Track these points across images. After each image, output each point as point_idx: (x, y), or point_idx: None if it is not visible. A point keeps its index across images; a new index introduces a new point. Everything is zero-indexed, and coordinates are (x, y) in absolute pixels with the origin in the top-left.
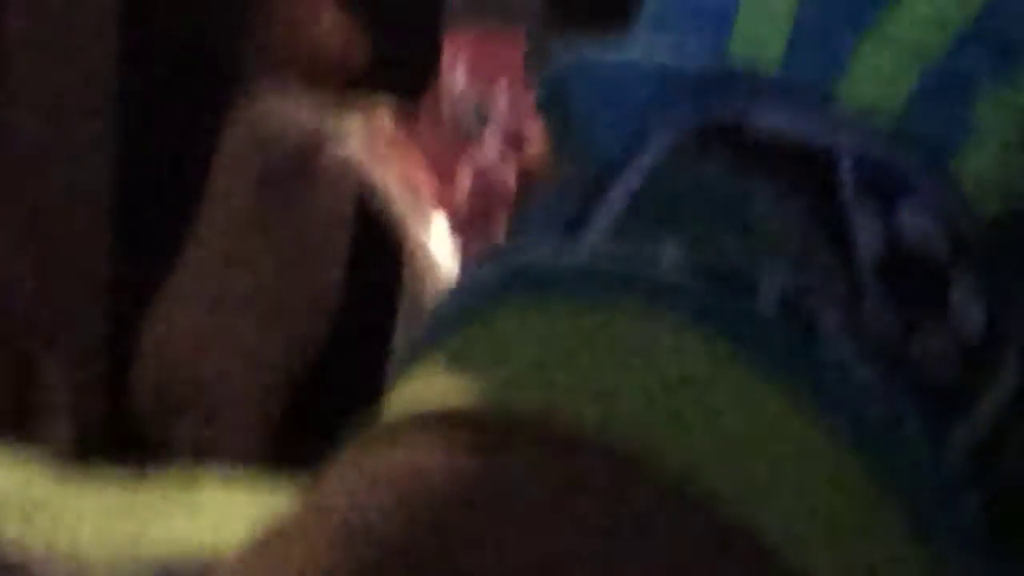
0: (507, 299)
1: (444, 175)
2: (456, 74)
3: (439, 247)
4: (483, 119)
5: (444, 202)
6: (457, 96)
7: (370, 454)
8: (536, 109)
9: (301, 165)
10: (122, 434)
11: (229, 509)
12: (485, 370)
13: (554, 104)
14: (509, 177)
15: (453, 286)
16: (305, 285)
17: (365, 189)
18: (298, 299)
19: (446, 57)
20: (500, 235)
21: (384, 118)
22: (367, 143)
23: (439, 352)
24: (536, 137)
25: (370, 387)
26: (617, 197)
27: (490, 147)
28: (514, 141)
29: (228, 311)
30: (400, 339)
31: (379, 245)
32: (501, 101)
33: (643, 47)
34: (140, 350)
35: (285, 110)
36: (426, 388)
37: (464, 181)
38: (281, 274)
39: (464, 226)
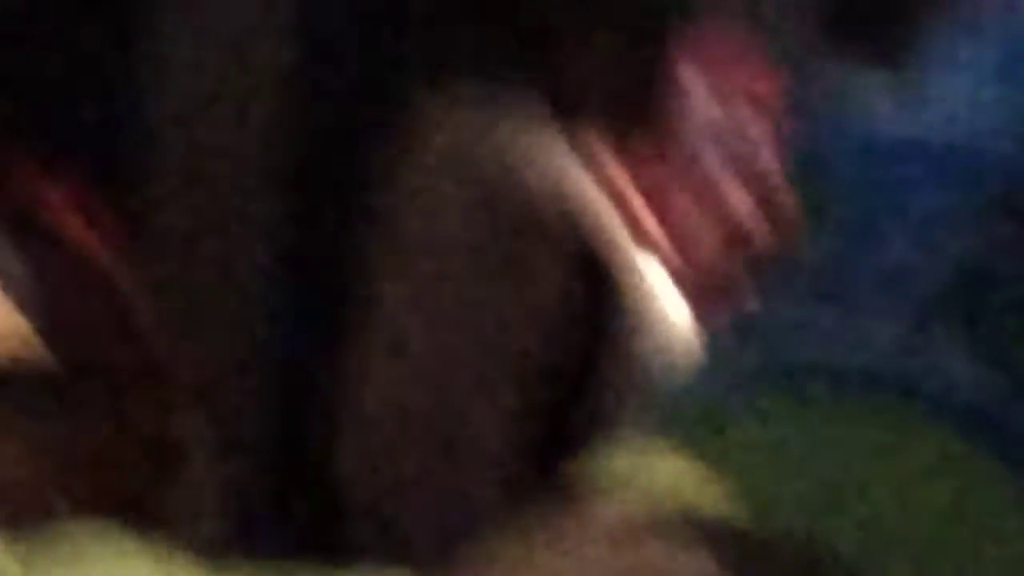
0: (767, 394)
1: (665, 204)
2: (695, 95)
3: (655, 279)
4: (724, 146)
5: (665, 234)
6: (695, 121)
7: (623, 545)
8: (792, 166)
9: (511, 194)
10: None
11: None
12: (750, 477)
13: (815, 167)
14: (736, 193)
15: (698, 362)
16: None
17: (578, 216)
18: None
19: (685, 74)
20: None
21: (602, 141)
22: (584, 167)
23: (685, 442)
24: (778, 175)
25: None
26: (917, 286)
27: (725, 181)
28: (754, 175)
29: (445, 364)
30: (608, 373)
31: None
32: (747, 129)
33: (928, 120)
34: (337, 421)
35: (488, 128)
36: (675, 480)
37: (685, 199)
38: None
39: (685, 247)
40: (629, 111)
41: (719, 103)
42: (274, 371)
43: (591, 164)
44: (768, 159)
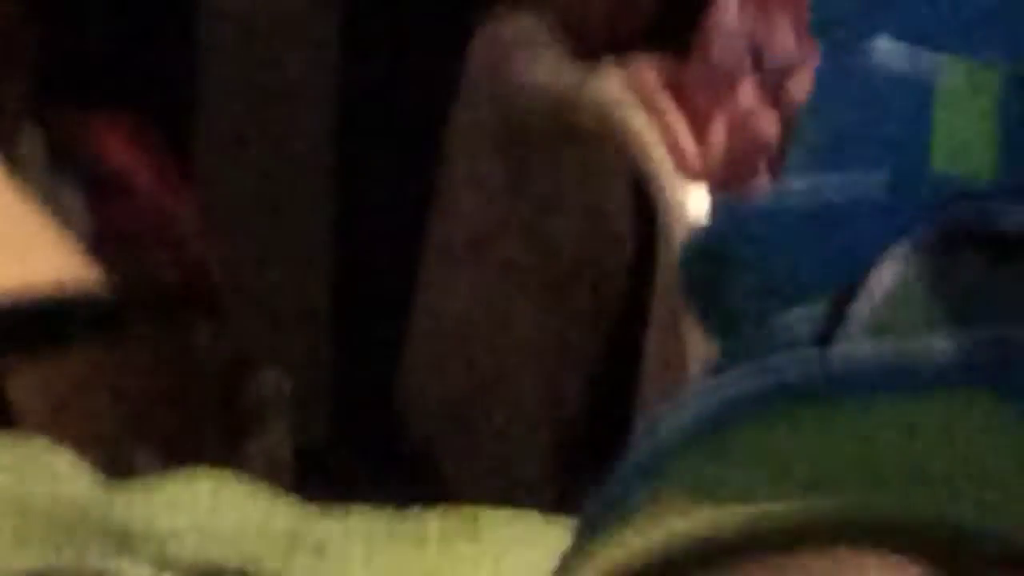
0: (780, 412)
1: (706, 122)
2: (729, 7)
3: (697, 205)
4: (758, 57)
5: (703, 155)
6: (728, 32)
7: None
8: (694, 262)
9: (553, 122)
10: (347, 457)
11: (513, 551)
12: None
13: (721, 250)
14: (769, 124)
15: (686, 404)
16: (590, 248)
17: (626, 142)
18: (583, 265)
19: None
20: (759, 185)
21: (645, 71)
22: (627, 94)
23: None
24: (801, 79)
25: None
26: (862, 309)
27: (745, 93)
28: (779, 83)
29: (498, 294)
30: (658, 308)
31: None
32: (779, 32)
33: (823, 182)
34: (399, 353)
35: (528, 68)
36: (713, 518)
37: (720, 131)
38: (551, 242)
39: (721, 178)
40: (674, 35)
41: (761, 31)
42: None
43: (642, 91)
44: (792, 54)
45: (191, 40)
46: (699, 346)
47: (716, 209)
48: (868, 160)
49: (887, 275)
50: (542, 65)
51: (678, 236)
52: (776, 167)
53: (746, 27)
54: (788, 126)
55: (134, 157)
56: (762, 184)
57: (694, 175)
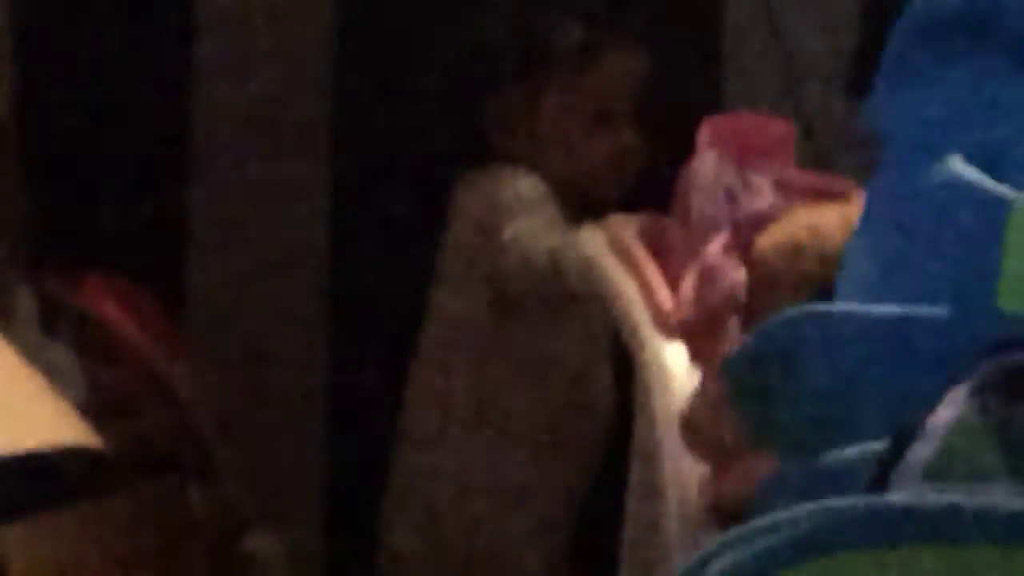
0: (838, 558)
1: (678, 285)
2: (707, 157)
3: (674, 359)
4: (735, 205)
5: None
6: (706, 186)
7: None
8: (740, 368)
9: (540, 280)
10: None
11: None
12: None
13: (780, 359)
14: (736, 277)
15: (741, 544)
16: (575, 409)
17: (606, 298)
18: (568, 428)
19: (700, 139)
20: (730, 339)
21: (625, 228)
22: (608, 253)
23: None
24: (769, 229)
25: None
26: (920, 452)
27: (714, 248)
28: (750, 236)
29: (492, 448)
30: (635, 461)
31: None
32: (755, 185)
33: (883, 308)
34: (387, 507)
35: (521, 231)
36: None
37: (689, 285)
38: (541, 397)
39: (690, 331)
40: (657, 195)
41: (738, 183)
42: (331, 465)
43: (622, 249)
44: (770, 202)
45: (182, 203)
46: (675, 507)
47: (778, 320)
48: (930, 289)
49: (945, 416)
50: (530, 231)
51: (655, 390)
52: (744, 318)
53: (724, 181)
54: (756, 279)
55: (126, 317)
56: (732, 336)
57: (671, 331)
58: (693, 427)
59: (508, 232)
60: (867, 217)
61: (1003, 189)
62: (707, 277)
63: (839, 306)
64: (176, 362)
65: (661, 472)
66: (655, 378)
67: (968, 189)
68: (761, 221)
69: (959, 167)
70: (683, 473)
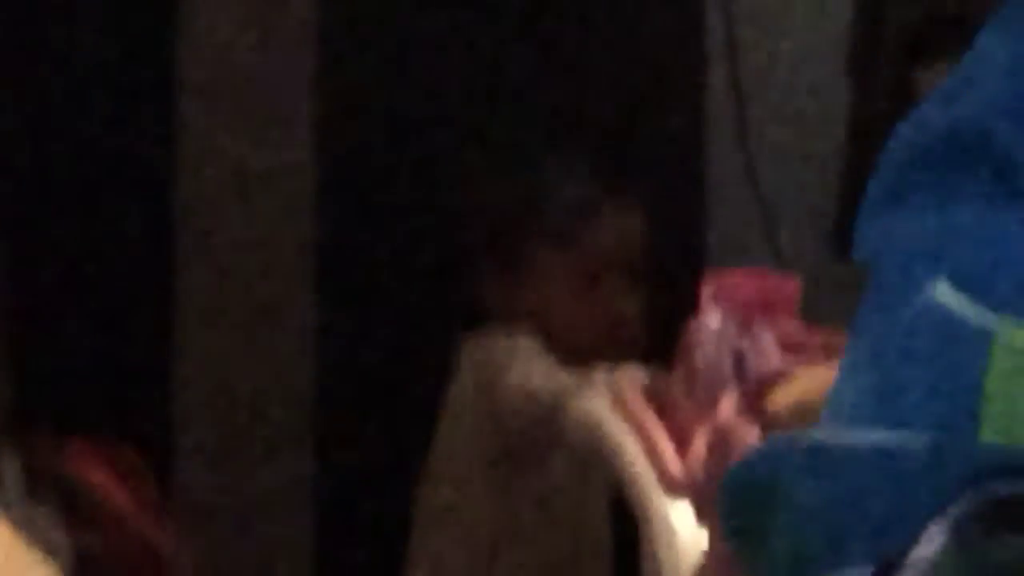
0: None
1: (690, 438)
2: (711, 315)
3: (682, 520)
4: (741, 365)
5: (684, 469)
6: (711, 343)
7: None
8: (731, 496)
9: (542, 433)
10: None
11: None
12: None
13: (767, 487)
14: (749, 438)
15: None
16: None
17: (608, 457)
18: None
19: (703, 296)
20: None
21: (628, 385)
22: (610, 410)
23: None
24: (782, 389)
25: None
26: None
27: (726, 407)
28: (760, 395)
29: None
30: None
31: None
32: (762, 344)
33: (867, 436)
34: None
35: (523, 374)
36: None
37: (700, 445)
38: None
39: (702, 493)
40: (660, 352)
41: (744, 341)
42: None
43: (624, 406)
44: (776, 362)
45: (167, 371)
46: None
47: (763, 448)
48: (915, 417)
49: (926, 551)
50: (533, 374)
51: (662, 551)
52: None
53: (729, 338)
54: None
55: (112, 482)
56: None
57: (676, 490)
58: None
59: (511, 376)
60: (854, 344)
61: (987, 318)
62: (721, 438)
63: (822, 433)
64: (163, 527)
65: None
66: (662, 538)
67: (951, 318)
68: (772, 381)
69: (943, 293)
70: None
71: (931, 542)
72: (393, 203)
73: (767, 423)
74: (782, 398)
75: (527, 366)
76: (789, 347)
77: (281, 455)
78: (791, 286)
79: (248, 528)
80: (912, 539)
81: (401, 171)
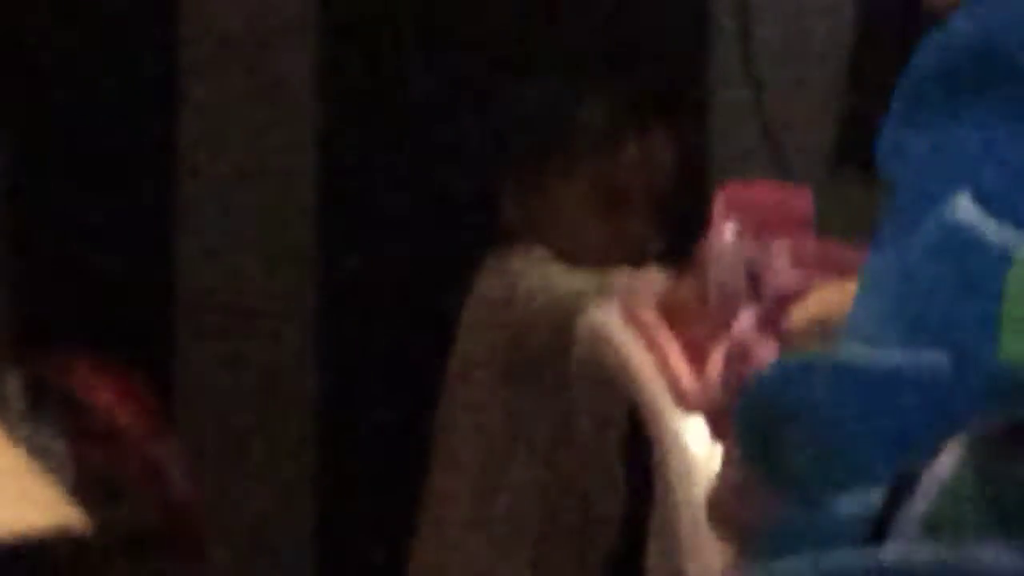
0: None
1: (704, 353)
2: (725, 229)
3: (695, 437)
4: (755, 280)
5: (701, 387)
6: (725, 253)
7: None
8: (749, 413)
9: (555, 343)
10: None
11: None
12: None
13: (784, 404)
14: (769, 356)
15: None
16: (579, 499)
17: (621, 374)
18: (574, 516)
19: (716, 210)
20: None
21: (641, 302)
22: (622, 326)
23: None
24: (800, 306)
25: None
26: (918, 505)
27: (744, 324)
28: (778, 313)
29: (494, 538)
30: (654, 542)
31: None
32: (777, 260)
33: (885, 353)
34: None
35: (538, 282)
36: None
37: (718, 363)
38: (551, 485)
39: (719, 410)
40: (674, 264)
41: (758, 255)
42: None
43: (638, 324)
44: (793, 278)
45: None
46: None
47: (779, 363)
48: (932, 335)
49: (942, 470)
50: (548, 281)
51: (676, 469)
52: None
53: (744, 255)
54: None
55: (116, 400)
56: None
57: (692, 408)
58: (718, 507)
59: (527, 283)
60: (874, 262)
61: (1007, 237)
62: (738, 354)
63: (841, 353)
64: (165, 444)
65: (683, 553)
66: (675, 456)
67: (971, 237)
68: (789, 298)
69: (965, 210)
70: (706, 555)
71: (948, 460)
72: (420, 120)
73: (785, 340)
74: (801, 314)
75: (543, 274)
76: (803, 261)
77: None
78: (805, 199)
79: (249, 445)
80: (929, 457)
81: (430, 82)
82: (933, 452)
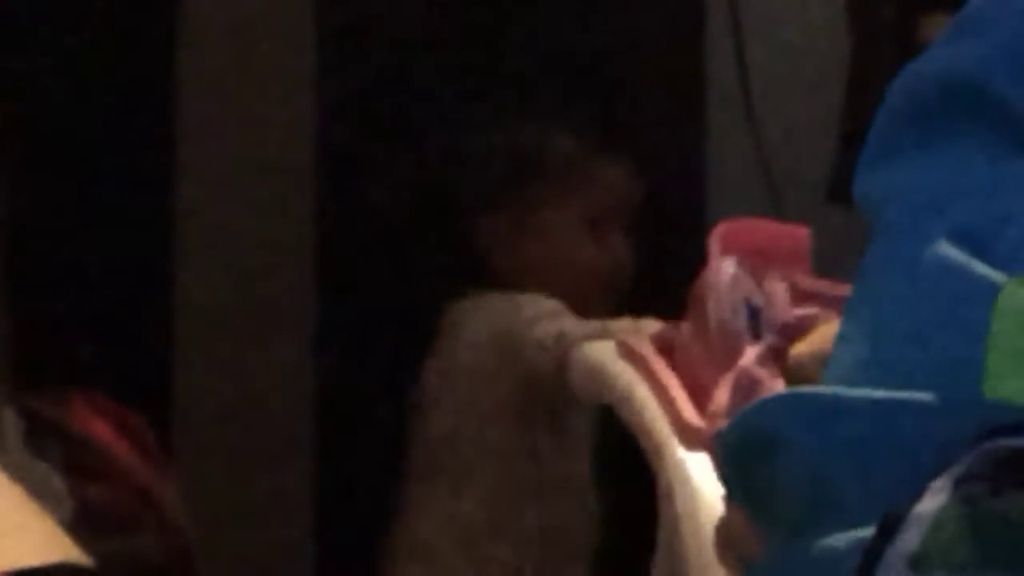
0: None
1: (704, 389)
2: (723, 266)
3: (700, 469)
4: (755, 314)
5: (708, 422)
6: (724, 290)
7: None
8: (732, 448)
9: (558, 384)
10: None
11: None
12: None
13: (769, 441)
14: (775, 384)
15: None
16: (563, 520)
17: (624, 412)
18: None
19: (712, 247)
20: None
21: (640, 339)
22: (623, 364)
23: None
24: (802, 341)
25: None
26: (905, 542)
27: (749, 359)
28: (781, 349)
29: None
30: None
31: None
32: (776, 296)
33: (878, 391)
34: None
35: (540, 326)
36: None
37: (724, 397)
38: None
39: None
40: (673, 300)
41: (756, 291)
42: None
43: (638, 361)
44: (790, 312)
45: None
46: None
47: (765, 402)
48: (918, 373)
49: (930, 506)
50: (550, 326)
51: (682, 501)
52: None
53: (742, 291)
54: (791, 384)
55: (113, 436)
56: None
57: (694, 441)
58: (727, 540)
59: (530, 329)
60: (857, 299)
61: (991, 272)
62: (745, 388)
63: (825, 389)
64: (163, 480)
65: None
66: (681, 490)
67: (955, 274)
68: (792, 333)
69: (947, 248)
70: None
71: (935, 497)
72: (386, 162)
73: (789, 374)
74: (803, 349)
75: (543, 317)
76: (801, 297)
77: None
78: (802, 235)
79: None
80: (916, 495)
81: (397, 126)
82: (920, 490)
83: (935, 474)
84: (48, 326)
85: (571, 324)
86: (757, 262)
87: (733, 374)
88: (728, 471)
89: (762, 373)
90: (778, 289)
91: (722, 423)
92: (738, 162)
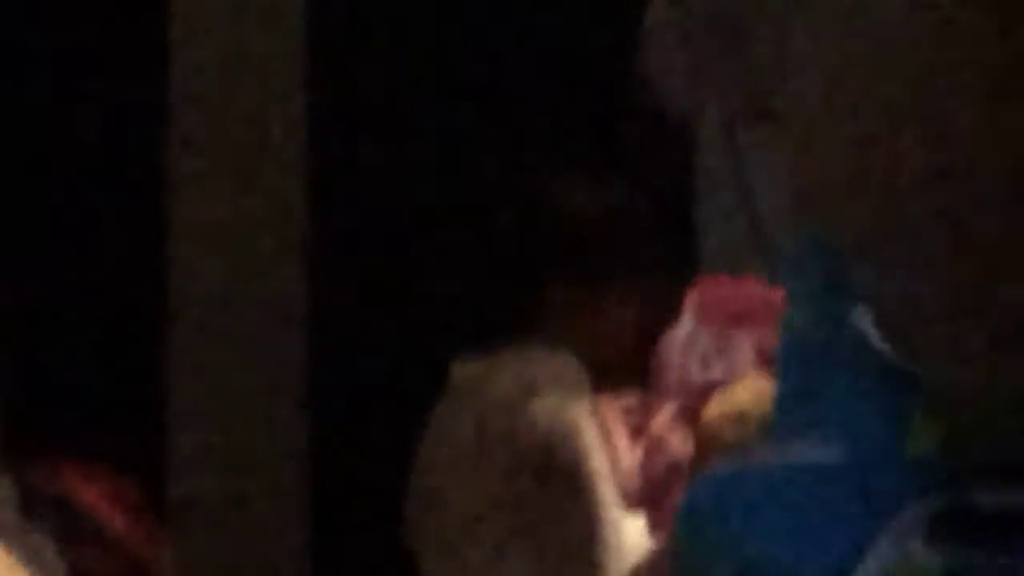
0: None
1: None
2: (683, 324)
3: (633, 528)
4: (708, 369)
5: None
6: (677, 347)
7: None
8: (684, 519)
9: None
10: None
11: None
12: None
13: (708, 517)
14: (681, 445)
15: None
16: None
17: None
18: None
19: (686, 305)
20: (671, 505)
21: (607, 404)
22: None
23: None
24: (718, 398)
25: None
26: None
27: (662, 416)
28: (700, 402)
29: None
30: None
31: None
32: (737, 352)
33: (810, 450)
34: None
35: (544, 404)
36: None
37: (636, 454)
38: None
39: (636, 500)
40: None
41: (716, 352)
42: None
43: (601, 423)
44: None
45: (163, 374)
46: None
47: (704, 479)
48: (841, 436)
49: (873, 566)
50: (549, 404)
51: (611, 561)
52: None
53: (699, 347)
54: (701, 447)
55: (106, 503)
56: (674, 504)
57: (629, 502)
58: None
59: (544, 410)
60: (785, 358)
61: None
62: (652, 448)
63: (753, 460)
64: (155, 546)
65: None
66: (611, 550)
67: (869, 342)
68: (713, 389)
69: (863, 318)
70: None
71: (875, 560)
72: (391, 202)
73: (700, 431)
74: (716, 407)
75: (544, 396)
76: (762, 354)
77: (279, 458)
78: (772, 294)
79: (248, 529)
80: (851, 555)
81: (403, 173)
82: (862, 548)
83: (867, 532)
84: (38, 394)
85: (557, 410)
86: (726, 321)
87: (646, 432)
88: (678, 551)
89: (668, 431)
90: (741, 348)
91: (632, 478)
92: (731, 225)
